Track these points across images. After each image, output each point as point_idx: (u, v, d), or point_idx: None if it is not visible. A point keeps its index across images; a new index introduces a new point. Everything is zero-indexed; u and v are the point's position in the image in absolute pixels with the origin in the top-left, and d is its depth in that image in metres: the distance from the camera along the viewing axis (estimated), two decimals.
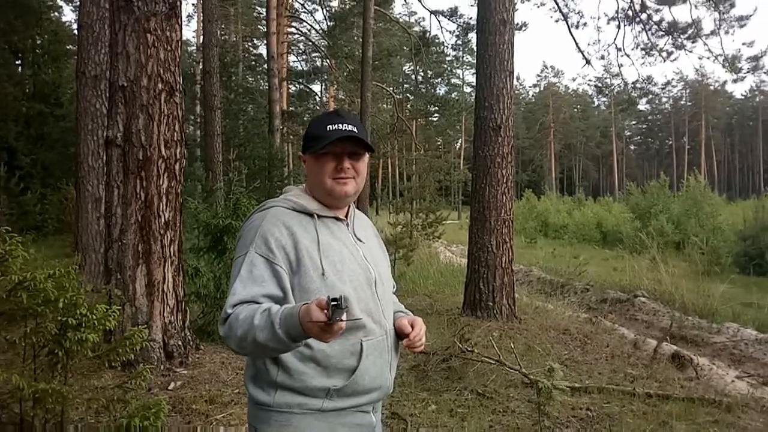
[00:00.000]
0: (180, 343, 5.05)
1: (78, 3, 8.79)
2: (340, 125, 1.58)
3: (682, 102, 78.82)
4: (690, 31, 18.45)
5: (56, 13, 21.10)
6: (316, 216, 1.59)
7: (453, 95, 41.14)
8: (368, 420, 1.59)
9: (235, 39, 34.77)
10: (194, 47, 33.79)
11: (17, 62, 19.57)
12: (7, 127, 16.09)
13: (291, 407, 1.48)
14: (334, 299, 1.21)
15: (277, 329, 1.31)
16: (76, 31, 9.48)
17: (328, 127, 1.58)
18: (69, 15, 40.50)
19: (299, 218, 1.56)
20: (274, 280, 1.46)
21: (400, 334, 1.66)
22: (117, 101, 4.91)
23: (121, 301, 4.63)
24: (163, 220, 4.96)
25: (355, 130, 1.59)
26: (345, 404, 1.52)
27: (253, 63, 34.48)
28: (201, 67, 18.76)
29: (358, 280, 1.56)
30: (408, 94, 41.14)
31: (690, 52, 18.45)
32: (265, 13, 21.71)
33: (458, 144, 58.70)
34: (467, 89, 52.86)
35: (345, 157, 1.60)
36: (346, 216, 1.69)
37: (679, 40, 18.74)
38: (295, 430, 1.48)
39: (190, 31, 36.06)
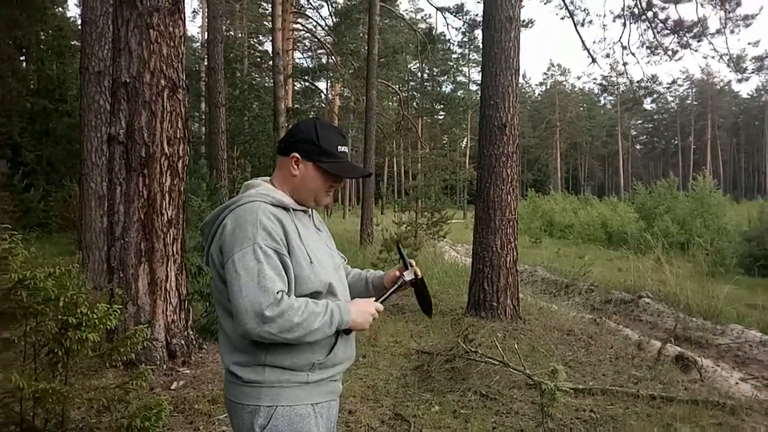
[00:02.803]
0: (183, 342, 5.03)
1: None
2: (346, 148, 1.79)
3: (688, 101, 78.50)
4: (695, 30, 18.35)
5: (60, 9, 21.04)
6: (291, 210, 1.73)
7: (459, 93, 41.03)
8: (338, 387, 1.81)
9: (240, 35, 34.75)
10: (199, 43, 33.81)
11: (21, 58, 19.58)
12: (12, 123, 16.10)
13: (281, 382, 1.64)
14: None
15: (334, 318, 1.62)
16: (80, 26, 9.48)
17: (339, 147, 1.76)
18: (73, 10, 40.57)
19: (279, 211, 1.68)
20: (284, 270, 1.61)
21: (393, 280, 1.96)
22: (120, 98, 4.89)
23: (124, 300, 4.62)
24: (166, 218, 4.93)
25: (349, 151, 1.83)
26: (324, 375, 1.71)
27: (258, 59, 34.46)
28: (206, 63, 18.75)
29: (329, 265, 1.77)
30: (413, 92, 41.05)
31: (695, 51, 18.43)
32: (270, 9, 21.66)
33: (464, 142, 58.51)
34: (473, 87, 52.73)
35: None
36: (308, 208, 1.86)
37: (685, 38, 18.64)
38: (285, 400, 1.64)
39: (195, 27, 36.16)
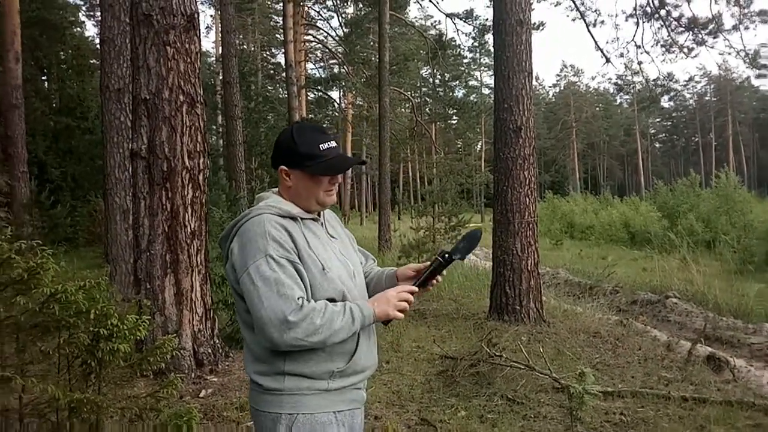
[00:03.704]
0: (210, 350, 5.09)
1: (99, 18, 8.94)
2: (329, 143, 1.75)
3: (707, 98, 77.44)
4: (710, 27, 18.15)
5: (79, 29, 21.55)
6: (299, 219, 1.74)
7: (471, 97, 41.03)
8: (361, 395, 1.81)
9: (253, 49, 35.12)
10: (213, 58, 34.22)
11: (43, 78, 20.00)
12: (37, 142, 16.45)
13: (301, 390, 1.66)
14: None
15: (355, 315, 1.63)
16: (98, 46, 9.67)
17: (320, 146, 1.73)
18: (91, 30, 41.35)
19: (286, 221, 1.70)
20: (300, 279, 1.63)
21: (400, 277, 1.92)
22: (140, 114, 4.98)
23: (151, 311, 4.69)
24: (189, 229, 5.01)
25: (337, 145, 1.79)
26: (345, 383, 1.72)
27: (272, 72, 34.80)
28: (221, 77, 18.97)
29: (344, 273, 1.76)
30: (426, 98, 41.09)
31: (711, 47, 18.17)
32: (281, 22, 21.88)
33: (479, 146, 58.37)
34: (485, 91, 52.66)
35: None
36: (319, 215, 1.85)
37: (700, 35, 18.46)
38: (305, 407, 1.65)
39: (209, 42, 36.54)
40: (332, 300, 1.67)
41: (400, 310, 1.74)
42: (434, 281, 1.87)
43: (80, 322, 2.90)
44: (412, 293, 1.77)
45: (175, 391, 3.04)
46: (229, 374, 5.03)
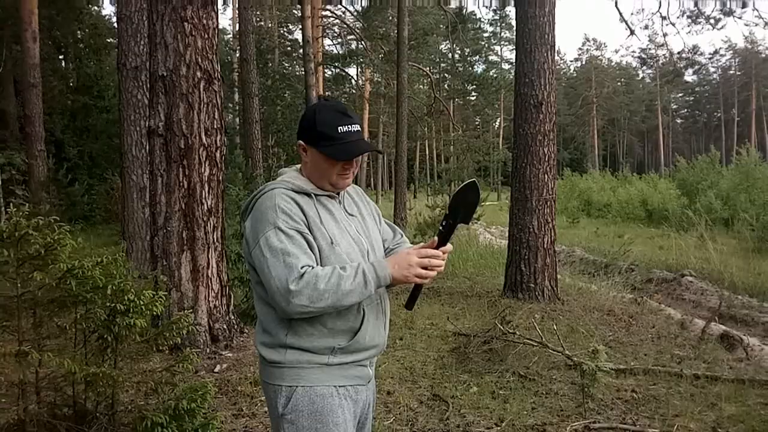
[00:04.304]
0: (225, 326, 5.16)
1: None
2: (350, 126, 1.71)
3: (731, 72, 75.60)
4: None
5: (95, 7, 21.54)
6: (313, 195, 1.73)
7: (491, 73, 40.49)
8: (366, 372, 1.79)
9: (270, 25, 34.91)
10: (230, 35, 34.10)
11: (60, 57, 20.10)
12: (54, 121, 16.61)
13: (301, 363, 1.67)
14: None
15: (368, 277, 1.58)
16: (115, 24, 9.68)
17: (339, 128, 1.69)
18: (108, 8, 41.29)
19: (299, 196, 1.70)
20: (309, 249, 1.63)
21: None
22: (158, 91, 5.00)
23: (168, 287, 4.76)
24: (205, 207, 5.05)
25: (360, 129, 1.74)
26: (347, 360, 1.71)
27: (289, 48, 34.63)
28: (238, 54, 18.94)
29: (355, 252, 1.73)
30: (445, 74, 40.69)
31: (739, 18, 17.75)
32: None
33: (497, 123, 57.83)
34: (505, 66, 51.95)
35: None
36: (338, 193, 1.82)
37: (728, 5, 18.00)
38: (305, 380, 1.67)
39: (225, 18, 36.39)
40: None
41: (421, 277, 1.65)
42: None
43: (97, 298, 2.95)
44: (435, 257, 1.66)
45: (190, 366, 3.09)
46: (244, 349, 5.11)
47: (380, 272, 1.61)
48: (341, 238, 1.71)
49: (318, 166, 1.73)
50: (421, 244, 1.80)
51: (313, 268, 1.58)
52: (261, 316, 1.74)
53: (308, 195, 1.72)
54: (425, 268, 1.65)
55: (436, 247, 1.70)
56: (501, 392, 4.25)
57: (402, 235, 2.04)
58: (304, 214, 1.67)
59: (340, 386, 1.71)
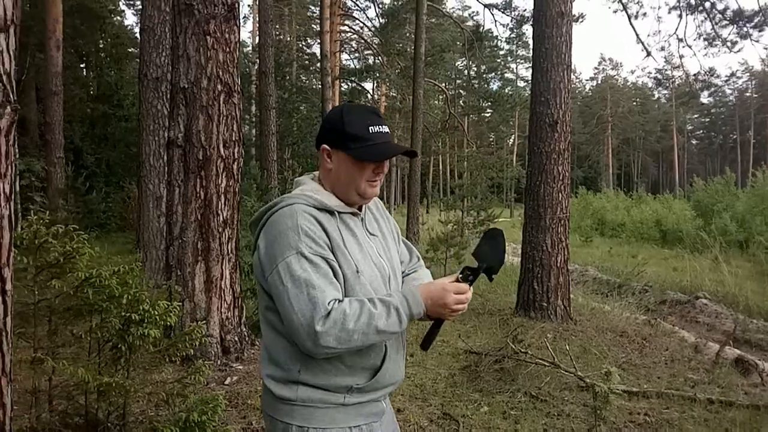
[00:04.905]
0: (236, 338, 5.17)
1: (140, 7, 9.09)
2: (381, 127, 1.57)
3: (747, 94, 75.10)
4: (756, 20, 17.65)
5: (118, 18, 21.96)
6: (336, 213, 1.57)
7: (506, 90, 40.56)
8: (381, 408, 1.65)
9: (289, 39, 35.30)
10: (250, 48, 34.51)
11: (82, 65, 20.42)
12: (73, 128, 16.85)
13: (313, 402, 1.52)
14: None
15: (402, 315, 1.46)
16: (137, 35, 9.86)
17: (370, 128, 1.55)
18: (130, 18, 42.06)
19: (322, 214, 1.54)
20: (334, 276, 1.48)
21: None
22: (178, 102, 5.07)
23: (181, 297, 4.78)
24: (221, 218, 5.09)
25: (389, 131, 1.60)
26: (364, 399, 1.57)
27: (307, 62, 34.93)
28: (257, 67, 19.12)
29: (377, 280, 1.58)
30: (460, 90, 40.78)
31: (756, 41, 17.78)
32: (318, 12, 21.91)
33: (511, 140, 57.81)
34: (521, 83, 52.03)
35: (383, 162, 1.60)
36: (360, 209, 1.67)
37: (745, 29, 17.98)
38: (317, 421, 1.52)
39: (245, 31, 36.84)
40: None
41: (453, 314, 1.55)
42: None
43: (112, 307, 2.98)
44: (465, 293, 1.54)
45: (202, 378, 3.10)
46: (255, 362, 5.11)
47: (415, 309, 1.49)
48: (365, 265, 1.56)
49: (346, 172, 1.57)
50: (450, 279, 1.61)
51: (340, 302, 1.43)
52: (269, 345, 1.57)
53: (331, 213, 1.56)
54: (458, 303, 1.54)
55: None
56: (512, 412, 4.22)
57: (419, 258, 1.90)
58: (328, 237, 1.51)
59: (354, 426, 1.57)
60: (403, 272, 1.80)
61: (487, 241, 1.67)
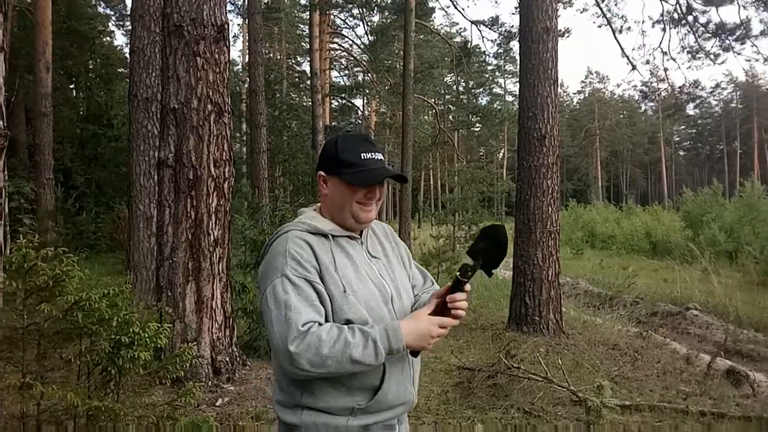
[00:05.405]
0: (227, 359, 5.14)
1: (129, 28, 9.13)
2: (373, 154, 1.63)
3: (733, 105, 76.10)
4: (738, 33, 17.95)
5: (108, 38, 22.01)
6: (330, 237, 1.63)
7: (495, 105, 40.85)
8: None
9: (279, 57, 35.51)
10: (240, 66, 34.65)
11: (71, 86, 20.40)
12: (63, 149, 16.78)
13: (318, 427, 1.53)
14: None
15: (379, 348, 1.46)
16: (127, 55, 9.89)
17: (362, 155, 1.62)
18: (120, 39, 42.16)
19: (316, 239, 1.60)
20: (319, 299, 1.51)
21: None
22: (168, 123, 5.08)
23: (172, 318, 4.75)
24: (212, 237, 5.07)
25: (383, 159, 1.67)
26: (370, 421, 1.56)
27: (297, 80, 35.10)
28: (247, 85, 19.19)
29: (375, 299, 1.61)
30: (449, 105, 41.05)
31: (738, 54, 17.97)
32: (308, 31, 22.08)
33: (501, 154, 58.16)
34: (509, 98, 52.43)
35: (376, 186, 1.65)
36: (360, 234, 1.72)
37: (727, 41, 18.27)
38: None
39: (235, 50, 37.07)
40: (350, 322, 1.52)
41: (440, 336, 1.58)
42: (459, 309, 1.60)
43: (102, 330, 2.96)
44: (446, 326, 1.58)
45: (192, 399, 3.09)
46: (246, 383, 5.07)
47: (394, 344, 1.49)
48: (359, 285, 1.59)
49: (339, 196, 1.63)
50: (440, 291, 1.64)
51: (320, 325, 1.46)
52: (275, 370, 1.62)
53: (325, 236, 1.62)
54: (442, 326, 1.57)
55: (450, 292, 1.60)
56: (506, 430, 4.21)
57: (433, 282, 1.91)
58: (317, 260, 1.55)
59: None
60: (417, 296, 1.83)
61: (484, 237, 1.70)
